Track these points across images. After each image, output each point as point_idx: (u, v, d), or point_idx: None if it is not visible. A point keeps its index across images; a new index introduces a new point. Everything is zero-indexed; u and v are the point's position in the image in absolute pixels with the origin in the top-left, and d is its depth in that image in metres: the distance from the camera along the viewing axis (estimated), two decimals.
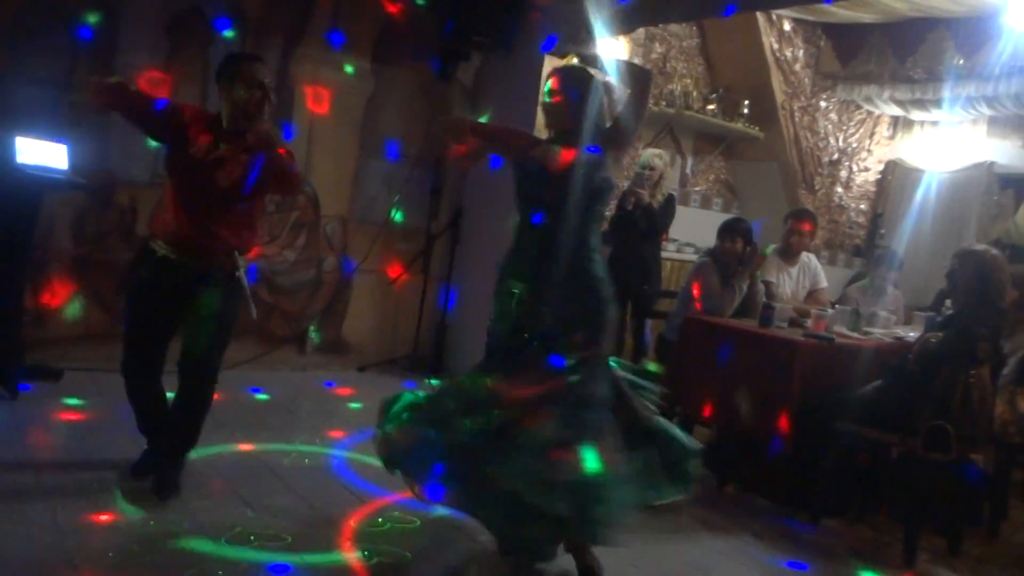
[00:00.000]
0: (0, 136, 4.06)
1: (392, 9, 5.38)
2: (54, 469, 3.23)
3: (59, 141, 4.16)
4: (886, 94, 6.97)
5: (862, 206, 7.86)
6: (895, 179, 7.80)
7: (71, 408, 3.97)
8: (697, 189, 7.27)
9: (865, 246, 7.69)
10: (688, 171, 7.21)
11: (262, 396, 4.67)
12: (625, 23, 5.11)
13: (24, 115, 4.33)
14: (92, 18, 4.55)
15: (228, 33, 4.94)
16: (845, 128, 7.59)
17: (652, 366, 4.65)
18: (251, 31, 5.07)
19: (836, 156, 7.56)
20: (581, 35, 5.17)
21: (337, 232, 5.53)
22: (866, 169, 7.80)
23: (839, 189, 7.66)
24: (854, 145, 7.67)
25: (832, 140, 7.51)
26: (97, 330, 4.71)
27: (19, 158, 3.96)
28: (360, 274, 5.57)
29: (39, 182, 4.06)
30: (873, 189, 7.87)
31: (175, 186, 3.12)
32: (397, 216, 5.66)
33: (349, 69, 5.39)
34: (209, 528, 2.87)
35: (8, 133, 4.03)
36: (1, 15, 4.34)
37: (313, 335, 5.49)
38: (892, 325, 4.77)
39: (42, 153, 4.07)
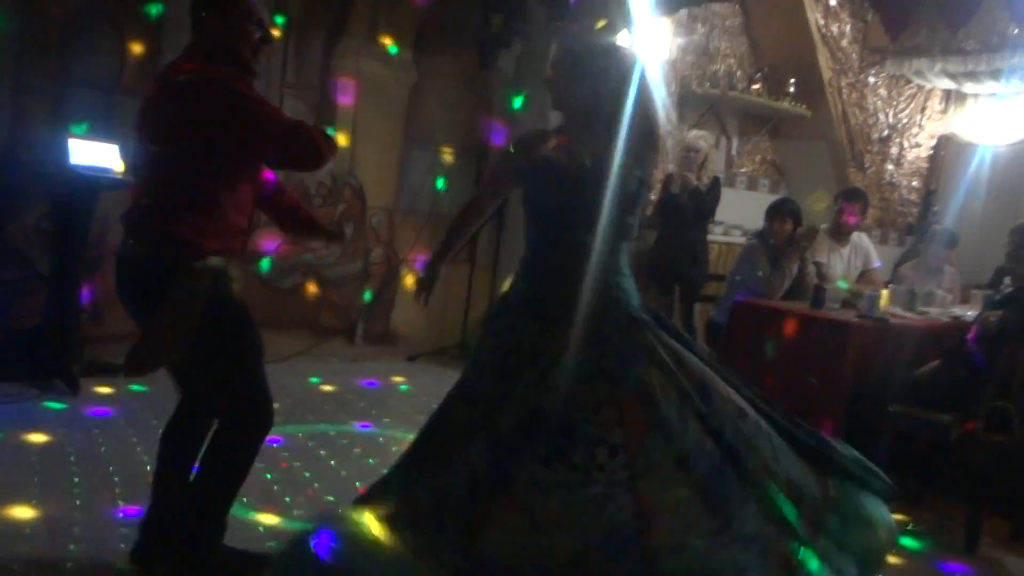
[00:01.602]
0: (54, 139, 4.17)
1: None
2: (113, 463, 3.32)
3: (111, 141, 4.25)
4: (938, 67, 6.78)
5: (914, 183, 7.68)
6: (948, 154, 7.60)
7: (129, 402, 4.06)
8: (743, 171, 7.16)
9: (918, 224, 7.51)
10: (734, 152, 7.11)
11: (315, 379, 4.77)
12: (668, 5, 5.06)
13: (76, 117, 4.44)
14: (139, 20, 4.63)
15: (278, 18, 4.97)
16: (895, 104, 7.41)
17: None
18: (294, 26, 5.12)
19: (886, 133, 7.39)
20: (617, 22, 5.14)
21: (383, 223, 5.57)
22: (917, 145, 7.62)
23: (890, 166, 7.49)
24: (905, 121, 7.49)
25: (882, 116, 7.34)
26: None
27: (72, 159, 4.04)
28: (407, 264, 5.61)
29: (93, 182, 4.14)
30: (925, 165, 7.69)
31: (243, 181, 2.41)
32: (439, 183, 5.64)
33: (393, 49, 5.40)
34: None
35: (61, 136, 4.13)
36: (51, 21, 4.43)
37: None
38: (949, 304, 4.66)
39: (95, 154, 4.15)
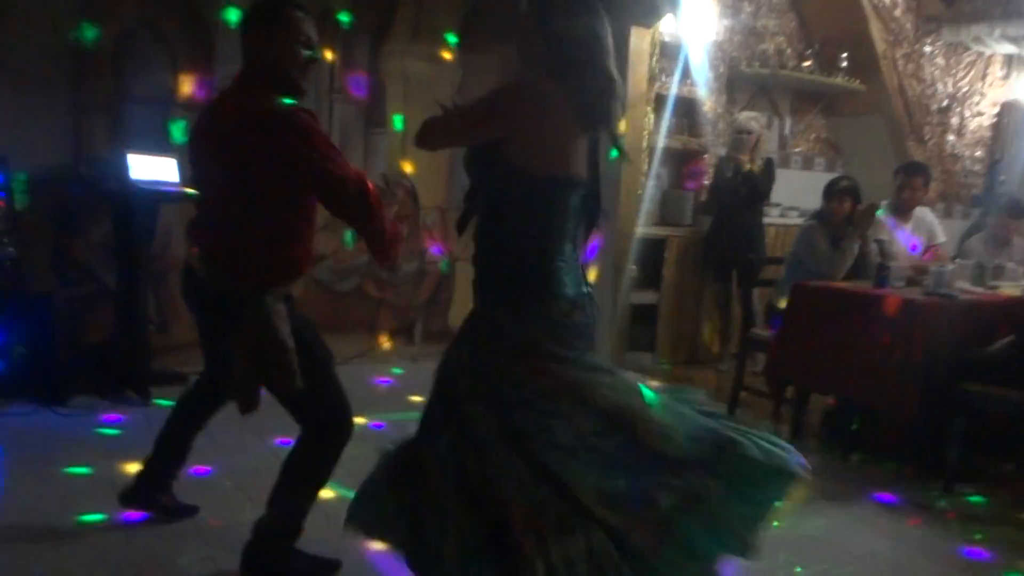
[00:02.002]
0: (113, 155, 4.28)
1: None
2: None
3: (168, 155, 4.35)
4: (997, 32, 6.55)
5: (977, 153, 7.44)
6: (1012, 122, 7.34)
7: None
8: (798, 150, 7.02)
9: (983, 195, 7.28)
10: (787, 132, 6.97)
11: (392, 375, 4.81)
12: None
13: (134, 133, 4.56)
14: (191, 33, 4.73)
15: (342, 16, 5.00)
16: (954, 72, 7.18)
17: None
18: (340, 30, 5.17)
19: (945, 103, 7.17)
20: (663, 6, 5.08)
21: (437, 222, 5.60)
22: (979, 114, 7.37)
23: (951, 137, 7.27)
24: (964, 89, 7.26)
25: (940, 86, 7.12)
26: None
27: (132, 174, 4.15)
28: (463, 263, 5.63)
29: (153, 196, 4.25)
30: (988, 134, 7.44)
31: (311, 208, 2.46)
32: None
33: (452, 39, 5.43)
34: None
35: (120, 152, 4.23)
36: (105, 40, 4.55)
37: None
38: (1020, 277, 4.51)
39: (153, 168, 4.26)
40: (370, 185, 2.38)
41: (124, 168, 4.14)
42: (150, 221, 4.37)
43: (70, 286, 4.55)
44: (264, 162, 2.28)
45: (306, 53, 2.40)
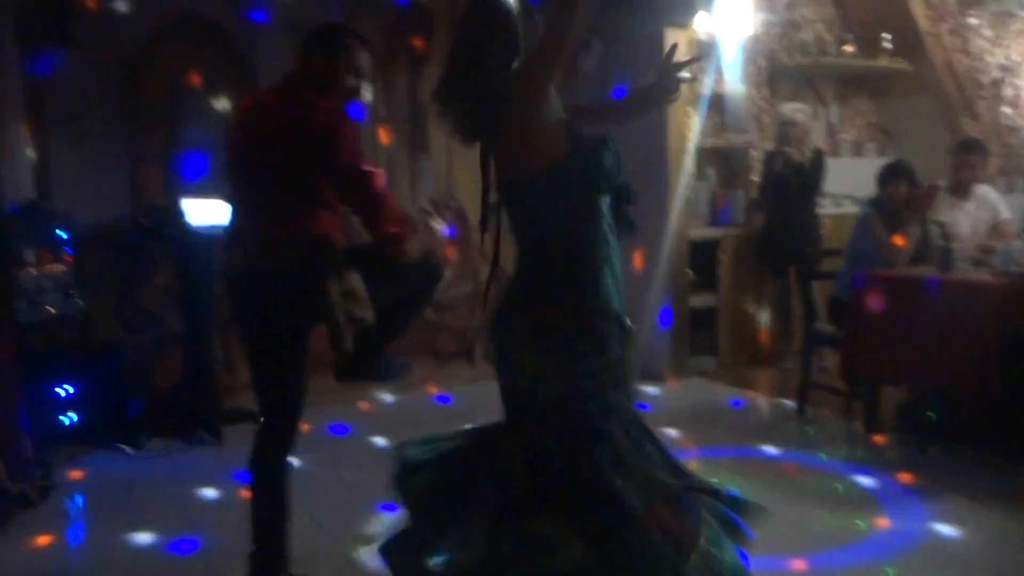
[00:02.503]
0: (170, 202, 4.39)
1: None
2: None
3: (220, 198, 4.45)
4: None
5: None
6: None
7: None
8: (847, 137, 6.89)
9: None
10: (834, 120, 6.85)
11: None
12: None
13: (187, 179, 4.67)
14: (236, 77, 4.84)
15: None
16: (1003, 42, 6.97)
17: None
18: (376, 58, 5.23)
19: (998, 75, 6.97)
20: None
21: (488, 242, 5.61)
22: None
23: (1007, 109, 7.05)
24: (1016, 59, 7.04)
25: (990, 58, 6.91)
26: None
27: (190, 219, 4.25)
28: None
29: (210, 239, 4.34)
30: None
31: None
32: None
33: None
34: None
35: (176, 198, 4.34)
36: (156, 92, 4.68)
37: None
38: None
39: (209, 211, 4.35)
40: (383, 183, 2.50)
41: (180, 214, 4.24)
42: (209, 264, 4.46)
43: (137, 333, 4.67)
44: (303, 144, 2.39)
45: (354, 82, 2.53)
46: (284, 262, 2.42)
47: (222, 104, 4.90)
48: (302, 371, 2.57)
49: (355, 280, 2.44)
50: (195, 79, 4.86)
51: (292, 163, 2.41)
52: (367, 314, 2.44)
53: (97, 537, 3.25)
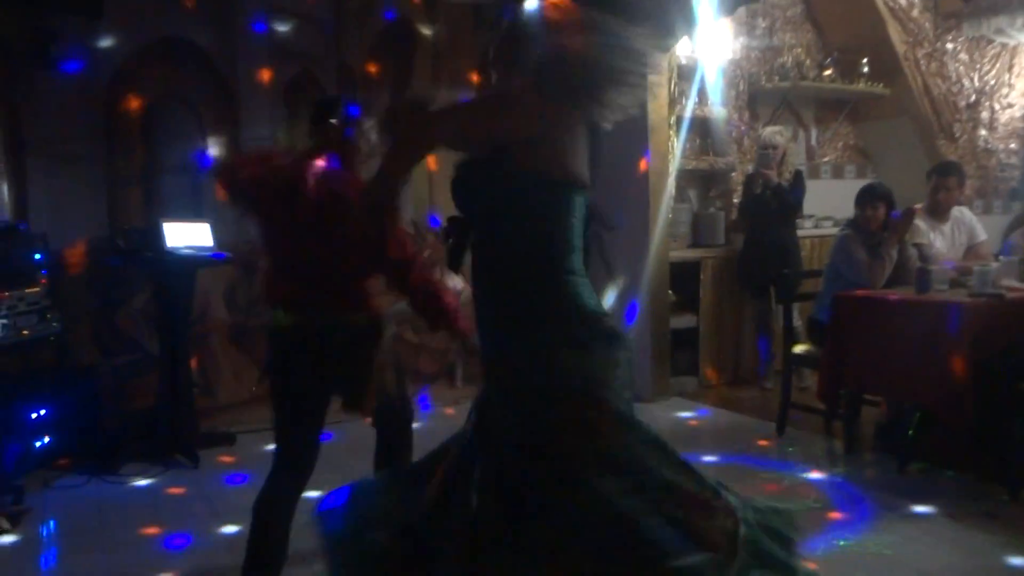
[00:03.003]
0: (148, 224, 4.37)
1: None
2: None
3: (201, 220, 4.43)
4: (1019, 22, 6.43)
5: (1012, 145, 7.30)
6: None
7: (248, 470, 4.17)
8: (826, 160, 6.95)
9: (1021, 188, 7.13)
10: (813, 143, 6.91)
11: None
12: (726, 5, 4.99)
13: (168, 202, 4.66)
14: (215, 100, 4.84)
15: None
16: (979, 66, 7.08)
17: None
18: (360, 83, 5.25)
19: (974, 98, 7.05)
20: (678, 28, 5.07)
21: (468, 263, 5.61)
22: (1010, 105, 7.24)
23: (983, 132, 7.14)
24: (992, 83, 7.14)
25: (966, 82, 7.02)
26: (262, 392, 4.96)
27: (168, 242, 4.23)
28: None
29: (190, 262, 4.32)
30: (1021, 125, 7.30)
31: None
32: None
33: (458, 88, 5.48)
34: None
35: (155, 220, 4.32)
36: (135, 114, 4.67)
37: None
38: None
39: (188, 234, 4.33)
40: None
41: (159, 237, 4.22)
42: (188, 286, 4.44)
43: (114, 356, 4.63)
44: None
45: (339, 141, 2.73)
46: (355, 326, 2.65)
47: (201, 127, 4.90)
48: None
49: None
50: (176, 102, 4.85)
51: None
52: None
53: (71, 562, 3.19)
